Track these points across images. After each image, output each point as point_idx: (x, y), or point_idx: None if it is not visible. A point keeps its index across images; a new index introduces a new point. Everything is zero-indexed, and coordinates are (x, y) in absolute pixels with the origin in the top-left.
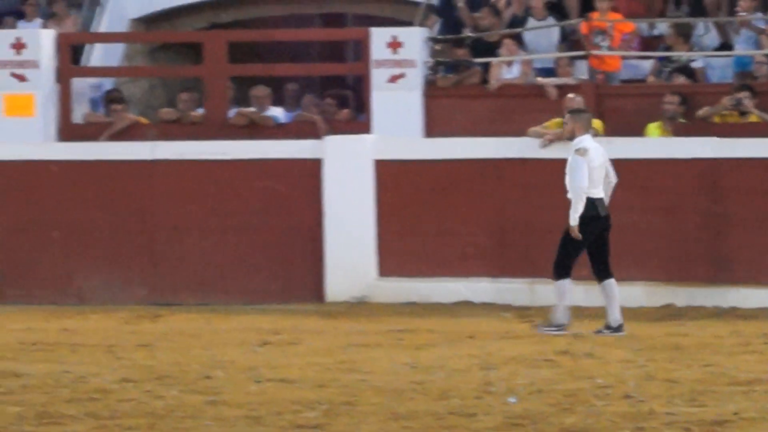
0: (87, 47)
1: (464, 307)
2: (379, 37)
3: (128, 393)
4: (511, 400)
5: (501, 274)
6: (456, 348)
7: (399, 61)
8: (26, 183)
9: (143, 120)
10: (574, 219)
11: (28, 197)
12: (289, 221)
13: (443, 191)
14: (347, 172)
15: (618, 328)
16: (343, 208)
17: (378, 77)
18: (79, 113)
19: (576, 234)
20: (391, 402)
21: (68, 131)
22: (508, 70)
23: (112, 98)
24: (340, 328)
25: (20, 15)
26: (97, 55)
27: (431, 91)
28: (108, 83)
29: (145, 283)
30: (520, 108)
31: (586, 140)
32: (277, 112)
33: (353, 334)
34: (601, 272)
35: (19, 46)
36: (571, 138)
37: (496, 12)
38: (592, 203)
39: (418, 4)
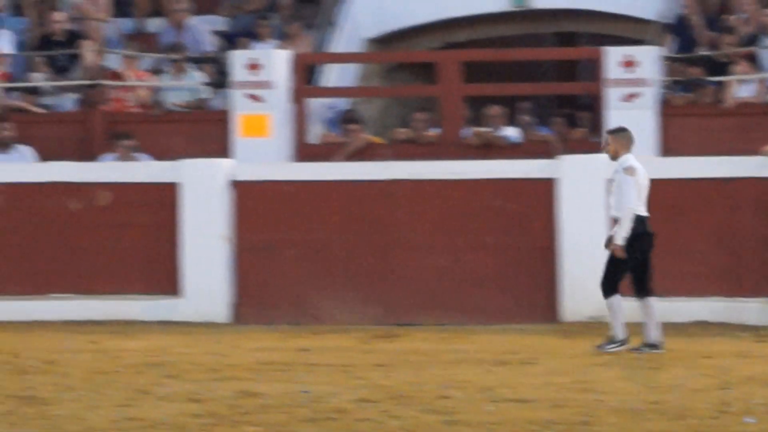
0: (322, 67)
1: (700, 326)
2: (613, 56)
3: (365, 413)
4: (749, 420)
5: (736, 294)
6: (692, 368)
7: (633, 80)
8: (262, 203)
9: (378, 140)
10: (621, 238)
11: (264, 217)
12: (524, 241)
13: (677, 210)
14: (582, 191)
15: (657, 346)
16: (578, 227)
17: (612, 96)
18: (314, 133)
19: (621, 254)
20: (628, 422)
21: (303, 151)
22: (742, 88)
23: (347, 118)
24: (576, 348)
25: (255, 36)
26: (332, 75)
27: (665, 110)
28: (343, 103)
29: (380, 303)
30: (755, 126)
31: (631, 159)
32: (511, 132)
33: (589, 354)
34: (642, 290)
35: (254, 66)
36: (615, 158)
37: (731, 30)
38: (641, 221)
39: (652, 22)
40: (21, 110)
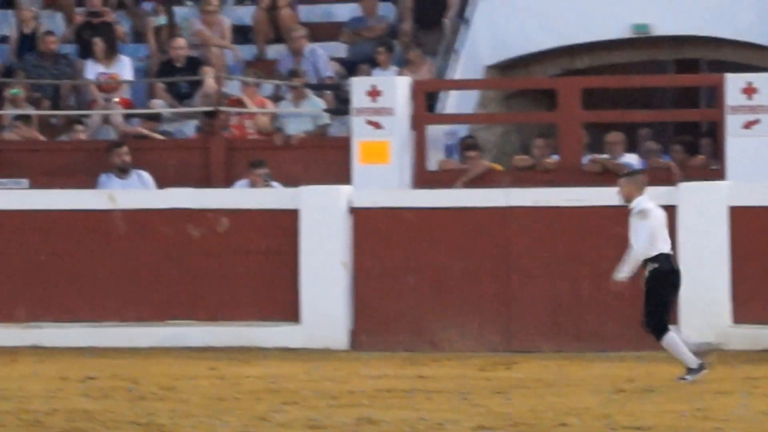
0: (441, 94)
1: None
2: (734, 82)
3: None
4: None
5: None
6: None
7: (754, 107)
8: (381, 230)
9: (497, 167)
10: (620, 273)
11: (384, 244)
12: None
13: None
14: (702, 218)
15: (699, 369)
16: (696, 253)
17: (733, 123)
18: (434, 160)
19: (614, 286)
20: None
21: (423, 178)
22: None
23: (466, 145)
24: None
25: (374, 63)
26: (452, 101)
27: None
28: (462, 129)
29: (498, 330)
30: None
31: (644, 201)
32: (631, 159)
33: (708, 381)
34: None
35: (374, 93)
36: (629, 201)
37: None
38: (667, 258)
39: None
40: (141, 136)
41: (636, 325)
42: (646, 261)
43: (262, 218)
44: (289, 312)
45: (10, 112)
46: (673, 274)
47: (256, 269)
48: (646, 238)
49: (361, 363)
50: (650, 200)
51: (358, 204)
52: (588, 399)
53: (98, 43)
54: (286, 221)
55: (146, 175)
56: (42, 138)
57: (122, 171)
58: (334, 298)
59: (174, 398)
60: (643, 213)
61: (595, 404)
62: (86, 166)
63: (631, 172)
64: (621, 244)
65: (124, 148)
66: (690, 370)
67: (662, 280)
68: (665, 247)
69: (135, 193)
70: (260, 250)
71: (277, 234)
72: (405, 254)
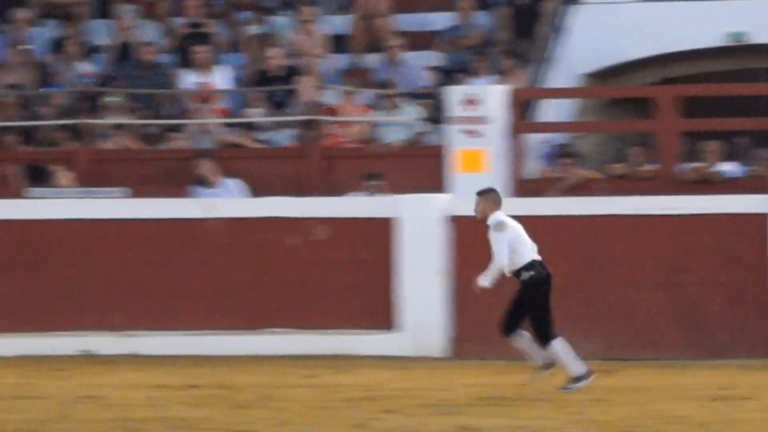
0: (536, 102)
1: None
2: None
3: None
4: None
5: None
6: None
7: None
8: (480, 238)
9: (595, 175)
10: (483, 280)
11: (482, 252)
12: (739, 276)
13: None
14: None
15: (581, 378)
16: None
17: None
18: (530, 168)
19: (477, 290)
20: None
21: (520, 186)
22: None
23: (563, 153)
24: None
25: (470, 71)
26: (548, 110)
27: None
28: (558, 138)
29: (598, 338)
30: None
31: (500, 215)
32: (728, 167)
33: None
34: (545, 336)
35: (471, 102)
36: (484, 218)
37: None
38: (541, 265)
39: None
40: (237, 145)
41: (736, 332)
42: (520, 270)
43: (360, 226)
44: (387, 320)
45: (109, 121)
46: (548, 279)
47: (353, 277)
48: (507, 249)
49: (459, 371)
50: (504, 215)
51: (457, 212)
52: (687, 406)
53: (198, 53)
54: (383, 229)
55: (236, 184)
56: (138, 147)
57: (204, 183)
58: (433, 306)
59: (272, 406)
60: (499, 226)
61: (694, 412)
62: (182, 176)
63: (485, 191)
64: (717, 252)
65: (206, 160)
66: (576, 378)
67: (540, 286)
68: (534, 255)
69: (232, 201)
70: (358, 258)
71: (373, 242)
72: None
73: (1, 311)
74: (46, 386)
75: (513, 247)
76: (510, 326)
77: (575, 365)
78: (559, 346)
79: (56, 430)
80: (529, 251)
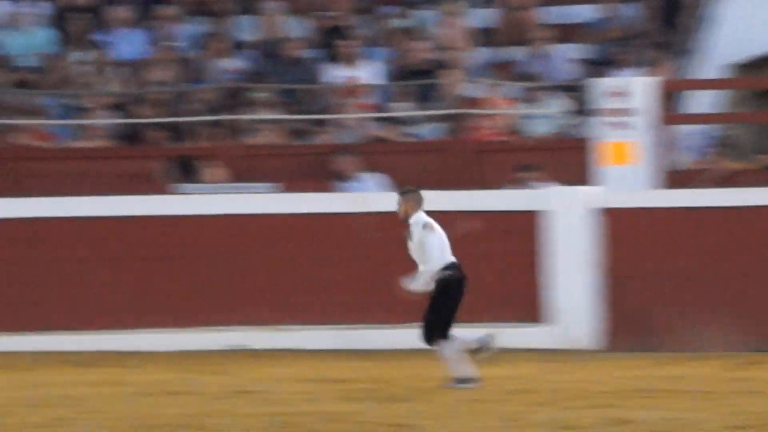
0: (683, 93)
1: None
2: None
3: None
4: None
5: None
6: None
7: None
8: (632, 230)
9: (745, 166)
10: (416, 284)
11: (633, 245)
12: None
13: None
14: None
15: (469, 380)
16: None
17: None
18: (680, 160)
19: (405, 292)
20: None
21: (669, 178)
22: None
23: (714, 144)
24: None
25: (616, 63)
26: (696, 101)
27: None
28: (708, 129)
29: (745, 329)
30: None
31: (423, 216)
32: None
33: None
34: (443, 335)
35: (618, 94)
36: (406, 218)
37: None
38: (457, 266)
39: None
40: (383, 140)
41: None
42: (441, 270)
43: (507, 220)
44: (535, 313)
45: (255, 116)
46: (463, 281)
47: (501, 270)
48: (438, 249)
49: (610, 363)
50: (425, 214)
51: (608, 205)
52: None
53: (343, 47)
54: (531, 222)
55: (374, 179)
56: (285, 142)
57: (343, 177)
58: (584, 299)
59: (422, 399)
60: (428, 226)
61: None
62: (329, 170)
63: (407, 191)
64: None
65: (345, 155)
66: (462, 380)
67: (455, 287)
68: (451, 257)
69: (383, 195)
70: (508, 251)
71: (521, 235)
72: (654, 255)
73: (151, 307)
74: (200, 381)
75: (441, 247)
76: (443, 333)
77: (461, 368)
78: (449, 348)
79: (211, 424)
80: (448, 253)
